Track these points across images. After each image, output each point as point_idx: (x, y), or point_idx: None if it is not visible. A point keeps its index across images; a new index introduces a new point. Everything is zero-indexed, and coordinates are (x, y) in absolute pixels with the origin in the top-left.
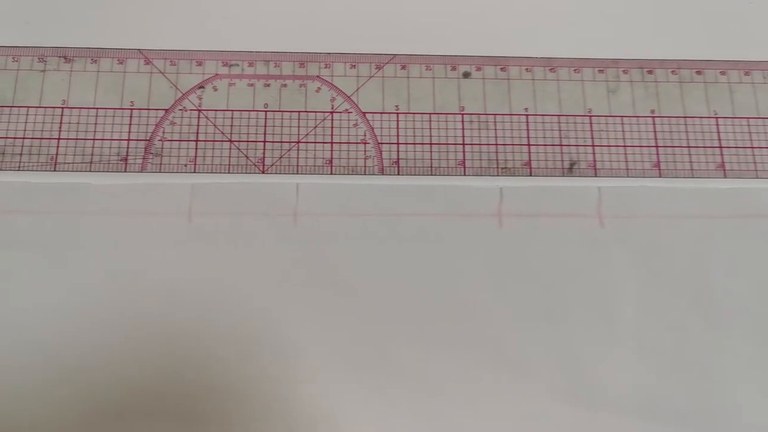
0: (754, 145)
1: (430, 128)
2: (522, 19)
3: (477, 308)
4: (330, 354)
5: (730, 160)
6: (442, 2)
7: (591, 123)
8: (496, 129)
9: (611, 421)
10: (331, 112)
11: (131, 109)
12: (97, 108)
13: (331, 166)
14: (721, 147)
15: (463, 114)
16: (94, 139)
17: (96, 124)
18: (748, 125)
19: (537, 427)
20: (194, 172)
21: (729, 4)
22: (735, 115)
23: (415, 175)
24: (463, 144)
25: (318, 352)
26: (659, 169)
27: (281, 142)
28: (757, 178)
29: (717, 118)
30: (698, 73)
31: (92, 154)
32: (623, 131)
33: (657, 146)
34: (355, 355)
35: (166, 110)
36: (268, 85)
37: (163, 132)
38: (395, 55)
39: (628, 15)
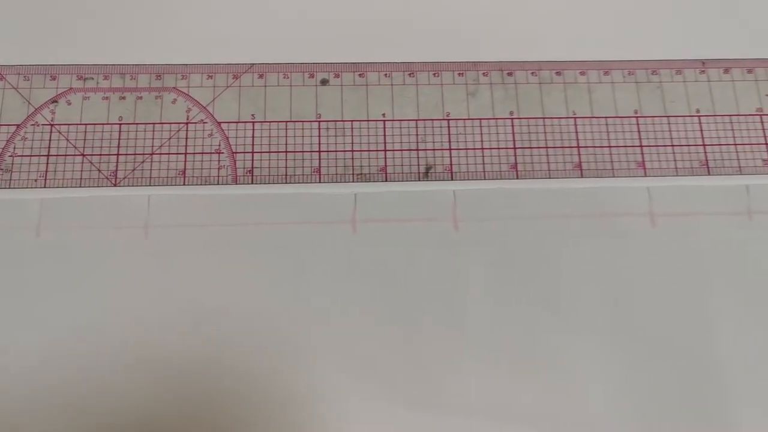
0: (612, 144)
1: (286, 136)
2: (381, 25)
3: (331, 315)
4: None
5: (587, 160)
6: (301, 10)
7: (449, 127)
8: (352, 135)
9: (463, 423)
10: (186, 123)
11: None
12: None
13: (185, 177)
14: (578, 147)
15: (319, 121)
16: None
17: None
18: (606, 124)
19: (388, 430)
20: (44, 187)
21: (586, 5)
22: (593, 115)
23: (269, 183)
24: (319, 151)
25: (156, 365)
26: (516, 171)
27: (135, 154)
28: (614, 177)
29: (575, 117)
30: (558, 73)
31: None
32: (481, 134)
33: (515, 148)
34: (190, 366)
35: (18, 126)
36: (124, 98)
37: (14, 148)
38: (253, 64)
39: (486, 17)
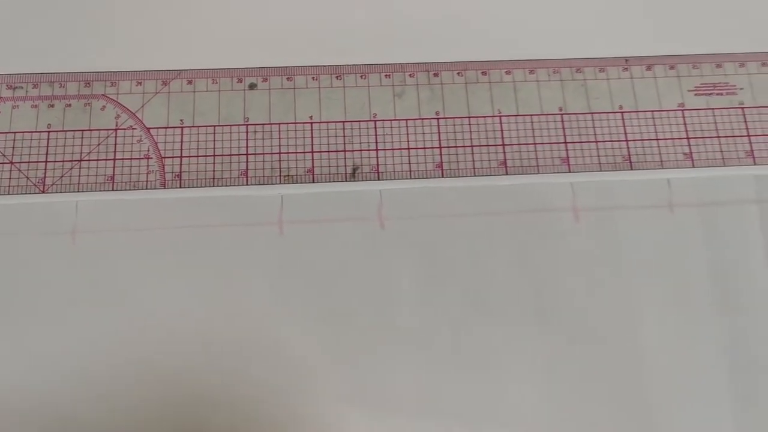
0: (536, 141)
1: (214, 140)
2: (308, 28)
3: (260, 315)
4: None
5: (512, 157)
6: (229, 16)
7: (376, 128)
8: (280, 138)
9: (393, 419)
10: (115, 129)
11: None
12: None
13: (113, 183)
14: (503, 145)
15: (247, 125)
16: None
17: None
18: (531, 122)
19: (321, 429)
20: None
21: (511, 6)
22: (518, 113)
23: (197, 187)
24: (247, 154)
25: (81, 369)
26: (442, 170)
27: (63, 161)
28: (538, 173)
29: (501, 116)
30: (484, 73)
31: None
32: (408, 134)
33: (441, 147)
34: (113, 369)
35: None
36: (53, 106)
37: None
38: (182, 70)
39: (413, 20)
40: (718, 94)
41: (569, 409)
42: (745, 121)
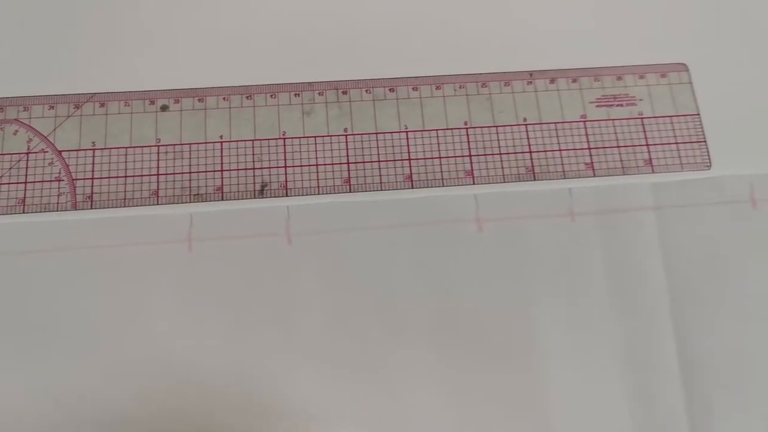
0: (442, 155)
1: (126, 161)
2: (219, 50)
3: (169, 332)
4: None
5: (418, 171)
6: (142, 39)
7: (284, 145)
8: (190, 158)
9: (297, 429)
10: (27, 153)
11: None
12: None
13: (24, 205)
14: (410, 159)
15: (158, 146)
16: None
17: None
18: (437, 136)
19: None
20: None
21: (417, 23)
22: (425, 128)
23: (108, 207)
24: (158, 174)
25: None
26: (350, 185)
27: None
28: (443, 186)
29: (407, 131)
30: (391, 90)
31: None
32: (316, 151)
33: (348, 163)
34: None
35: None
36: None
37: None
38: (94, 93)
39: (322, 39)
40: (618, 105)
41: (471, 418)
42: (644, 131)
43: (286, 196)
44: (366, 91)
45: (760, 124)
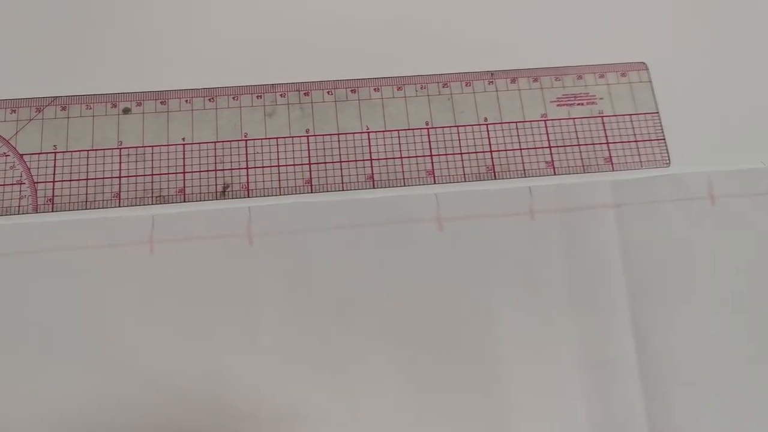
0: (403, 155)
1: (87, 164)
2: (181, 53)
3: (130, 333)
4: None
5: (379, 171)
6: (104, 41)
7: (246, 147)
8: (153, 160)
9: (259, 428)
10: None
11: None
12: None
13: None
14: (371, 159)
15: (120, 148)
16: None
17: None
18: (398, 136)
19: None
20: None
21: (378, 24)
22: (386, 128)
23: (69, 210)
24: (120, 177)
25: None
26: (311, 185)
27: None
28: (404, 186)
29: (369, 132)
30: (353, 91)
31: None
32: (278, 152)
33: (310, 164)
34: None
35: None
36: None
37: None
38: (56, 97)
39: (285, 40)
40: (579, 104)
41: (431, 414)
42: (605, 130)
43: (248, 197)
44: (328, 92)
45: (718, 122)
